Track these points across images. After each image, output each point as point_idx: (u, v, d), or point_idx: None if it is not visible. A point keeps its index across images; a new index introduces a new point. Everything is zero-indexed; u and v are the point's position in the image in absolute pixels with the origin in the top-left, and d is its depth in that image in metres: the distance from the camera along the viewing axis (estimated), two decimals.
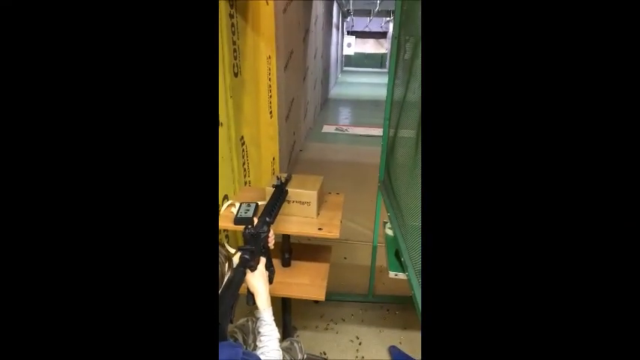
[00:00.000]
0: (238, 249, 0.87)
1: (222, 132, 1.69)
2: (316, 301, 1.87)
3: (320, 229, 1.23)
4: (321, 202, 1.33)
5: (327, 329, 1.72)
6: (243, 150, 2.07)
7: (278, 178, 1.19)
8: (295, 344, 1.10)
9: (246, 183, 2.10)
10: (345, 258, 2.23)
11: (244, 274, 0.84)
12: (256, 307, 0.87)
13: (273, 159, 2.76)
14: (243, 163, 2.09)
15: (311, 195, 1.25)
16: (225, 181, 1.78)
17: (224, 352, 0.67)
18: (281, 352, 0.85)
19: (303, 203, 1.27)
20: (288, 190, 1.23)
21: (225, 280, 0.83)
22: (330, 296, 1.87)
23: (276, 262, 1.31)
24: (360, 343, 1.64)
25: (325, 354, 1.58)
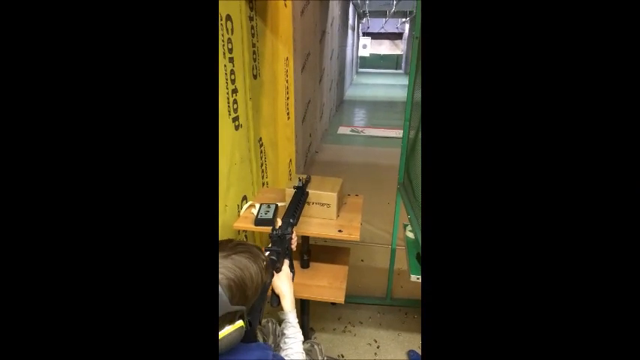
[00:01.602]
0: (265, 249, 0.88)
1: (241, 133, 1.70)
2: (333, 303, 1.86)
3: (340, 230, 1.22)
4: (340, 203, 1.32)
5: (344, 332, 1.71)
6: (261, 152, 2.08)
7: (300, 180, 1.19)
8: (315, 346, 1.10)
9: (263, 184, 2.12)
10: (362, 260, 2.22)
11: (273, 275, 0.85)
12: (280, 309, 0.87)
13: (290, 160, 2.77)
14: (261, 165, 2.11)
15: (331, 197, 1.25)
16: (244, 183, 1.79)
17: (255, 353, 0.68)
18: (304, 355, 0.85)
19: (322, 205, 1.27)
20: (308, 191, 1.23)
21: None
22: (348, 299, 1.86)
23: (295, 263, 1.31)
24: (378, 347, 1.63)
25: (343, 356, 1.57)
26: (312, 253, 1.44)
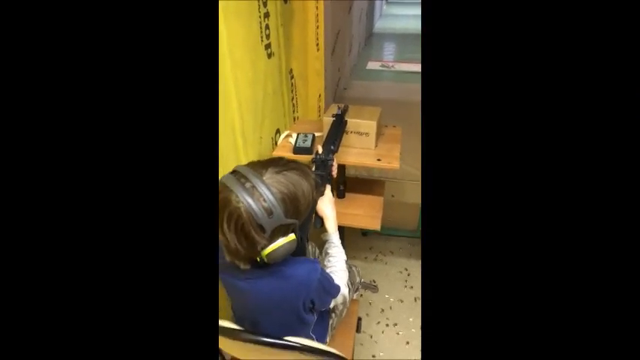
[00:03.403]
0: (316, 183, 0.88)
1: (273, 63, 1.64)
2: (365, 234, 1.92)
3: (379, 159, 1.20)
4: (379, 133, 1.29)
5: (376, 260, 1.79)
6: (292, 84, 2.02)
7: (338, 108, 1.16)
8: (354, 268, 1.15)
9: (294, 120, 2.09)
10: (392, 196, 2.23)
11: (318, 197, 0.86)
12: (324, 230, 0.90)
13: (320, 96, 2.69)
14: (292, 98, 2.06)
15: (370, 125, 1.22)
16: (277, 115, 1.77)
17: (305, 265, 0.71)
18: (347, 273, 0.89)
19: (361, 134, 1.24)
20: (347, 120, 1.20)
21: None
22: (379, 230, 1.91)
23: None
24: (408, 274, 1.70)
25: (375, 282, 1.65)
26: (347, 184, 1.45)
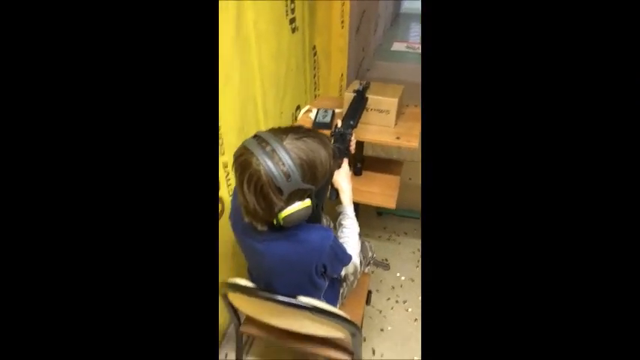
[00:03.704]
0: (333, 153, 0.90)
1: (297, 38, 1.64)
2: (380, 214, 1.94)
3: (398, 138, 1.21)
4: (400, 112, 1.28)
5: (389, 240, 1.80)
6: (314, 61, 2.01)
7: (360, 84, 1.16)
8: (366, 243, 1.17)
9: (315, 97, 2.09)
10: (410, 179, 2.22)
11: (335, 168, 0.88)
12: (339, 203, 0.92)
13: (342, 75, 2.66)
14: (314, 76, 2.05)
15: (391, 102, 1.21)
16: (298, 91, 1.77)
17: (318, 232, 0.74)
18: (360, 245, 0.91)
19: (381, 111, 1.24)
20: (368, 97, 1.20)
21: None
22: (394, 211, 1.92)
23: None
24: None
25: (387, 260, 1.67)
26: (365, 163, 1.46)
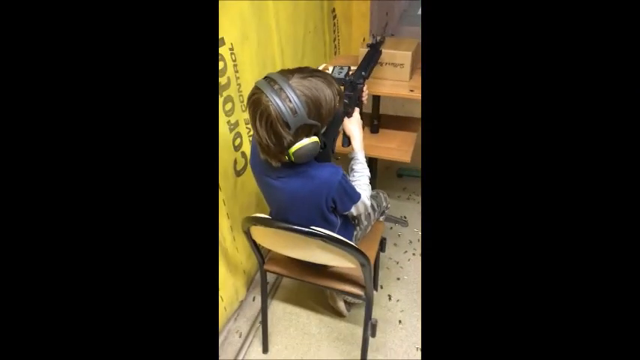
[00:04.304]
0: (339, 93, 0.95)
1: (314, 2, 1.66)
2: (400, 175, 1.97)
3: (412, 90, 1.23)
4: (415, 66, 1.30)
5: (408, 199, 1.85)
6: (334, 24, 2.02)
7: (374, 37, 1.18)
8: (381, 194, 1.23)
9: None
10: None
11: (344, 114, 0.94)
12: (351, 149, 0.98)
13: (363, 40, 2.64)
14: (334, 39, 2.07)
15: (405, 56, 1.23)
16: (317, 53, 1.81)
17: (327, 169, 0.81)
18: (370, 187, 0.97)
19: (396, 65, 1.26)
20: (382, 50, 1.22)
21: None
22: (414, 172, 1.95)
23: (365, 129, 1.38)
24: None
25: (406, 218, 1.73)
26: (382, 121, 1.49)
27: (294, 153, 0.73)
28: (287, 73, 0.72)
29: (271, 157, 0.76)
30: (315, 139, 0.74)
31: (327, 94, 0.72)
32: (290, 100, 0.68)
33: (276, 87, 0.69)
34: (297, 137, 0.71)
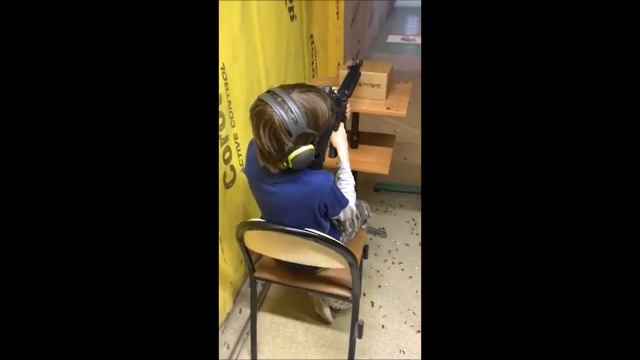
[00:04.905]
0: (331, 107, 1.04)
1: (296, 25, 1.78)
2: (377, 190, 2.08)
3: (388, 108, 1.35)
4: (390, 86, 1.42)
5: (386, 212, 1.95)
6: (312, 49, 2.15)
7: (353, 59, 1.30)
8: (363, 203, 1.31)
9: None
10: (405, 159, 2.36)
11: (332, 128, 1.03)
12: (338, 159, 1.07)
13: (338, 64, 2.80)
14: (312, 63, 2.20)
15: (381, 77, 1.35)
16: (297, 75, 1.92)
17: (320, 175, 0.88)
18: (355, 195, 1.05)
19: (373, 86, 1.38)
20: (361, 72, 1.34)
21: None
22: (390, 187, 2.06)
23: None
24: (415, 224, 1.85)
25: (384, 229, 1.82)
26: (360, 137, 1.60)
27: (293, 159, 0.80)
28: (287, 88, 0.80)
29: (271, 163, 0.83)
30: (311, 147, 0.82)
31: (322, 107, 0.81)
32: (292, 111, 0.76)
33: (279, 99, 0.77)
34: (297, 145, 0.79)
